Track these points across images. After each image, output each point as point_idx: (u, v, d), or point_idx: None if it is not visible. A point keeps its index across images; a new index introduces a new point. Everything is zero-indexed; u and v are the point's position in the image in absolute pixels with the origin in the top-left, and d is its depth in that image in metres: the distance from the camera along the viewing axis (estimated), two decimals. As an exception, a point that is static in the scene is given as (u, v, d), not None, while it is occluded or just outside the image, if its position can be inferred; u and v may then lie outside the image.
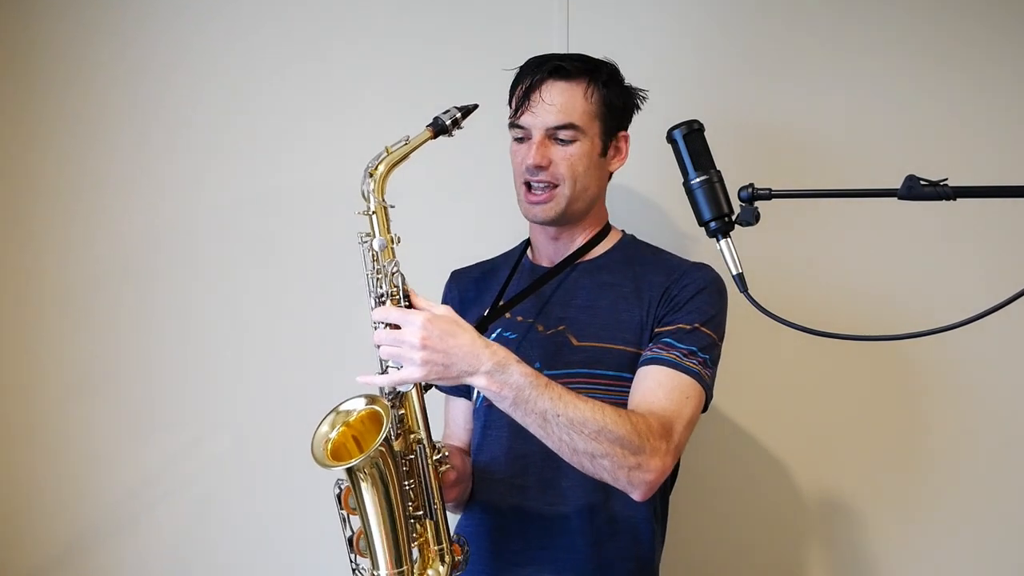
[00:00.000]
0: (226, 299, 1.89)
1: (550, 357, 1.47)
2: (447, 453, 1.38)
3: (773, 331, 1.21)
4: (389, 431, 1.28)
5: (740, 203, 1.16)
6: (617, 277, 1.52)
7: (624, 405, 1.39)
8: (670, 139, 1.24)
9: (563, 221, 1.52)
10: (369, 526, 1.30)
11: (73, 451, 1.86)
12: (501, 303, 1.55)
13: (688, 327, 1.42)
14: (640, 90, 1.57)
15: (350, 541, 1.35)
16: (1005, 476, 1.88)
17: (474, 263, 1.69)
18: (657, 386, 1.37)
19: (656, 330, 1.44)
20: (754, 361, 1.84)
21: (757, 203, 1.15)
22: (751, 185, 1.15)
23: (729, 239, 1.18)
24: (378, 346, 1.28)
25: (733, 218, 1.18)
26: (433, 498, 1.36)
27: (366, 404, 1.33)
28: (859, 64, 1.90)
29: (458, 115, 1.37)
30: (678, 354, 1.39)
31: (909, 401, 1.90)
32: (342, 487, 1.33)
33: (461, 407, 1.62)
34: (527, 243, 1.64)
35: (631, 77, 1.56)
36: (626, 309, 1.48)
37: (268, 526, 1.88)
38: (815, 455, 1.90)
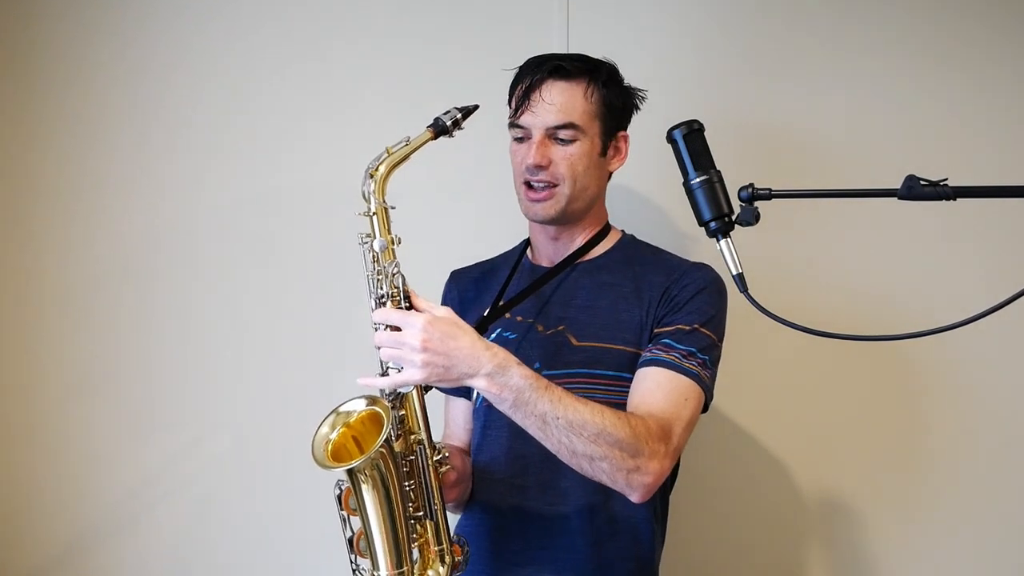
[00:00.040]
0: (226, 299, 1.89)
1: (550, 357, 1.47)
2: (447, 454, 1.38)
3: (773, 331, 1.21)
4: (390, 432, 1.28)
5: (740, 203, 1.16)
6: (617, 277, 1.52)
7: (624, 405, 1.39)
8: (670, 139, 1.24)
9: (563, 220, 1.52)
10: (369, 527, 1.30)
11: (73, 451, 1.86)
12: (501, 303, 1.55)
13: (687, 328, 1.42)
14: (639, 90, 1.57)
15: (350, 542, 1.35)
16: (1005, 476, 1.88)
17: (474, 263, 1.69)
18: (656, 388, 1.37)
19: (655, 330, 1.44)
20: (754, 361, 1.84)
21: (757, 203, 1.15)
22: (751, 185, 1.15)
23: (729, 239, 1.18)
24: (379, 348, 1.28)
25: (733, 218, 1.18)
26: (433, 499, 1.36)
27: (366, 405, 1.33)
28: (859, 64, 1.90)
29: (459, 116, 1.37)
30: (677, 355, 1.39)
31: (909, 401, 1.90)
32: (342, 488, 1.33)
33: (461, 407, 1.62)
34: (527, 243, 1.64)
35: (631, 77, 1.56)
36: (626, 309, 1.48)
37: (268, 526, 1.88)
38: (815, 455, 1.90)
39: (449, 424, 1.65)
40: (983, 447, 1.88)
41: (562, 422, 1.26)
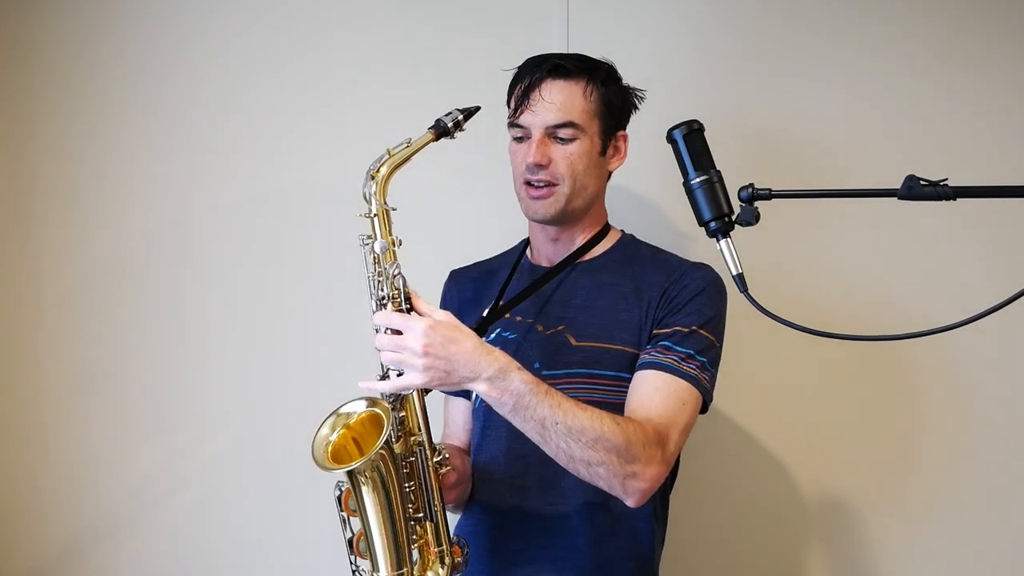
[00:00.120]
0: (226, 299, 1.89)
1: (549, 357, 1.47)
2: (447, 455, 1.38)
3: (773, 331, 1.21)
4: (390, 434, 1.28)
5: (740, 203, 1.16)
6: (617, 277, 1.52)
7: (623, 405, 1.40)
8: (670, 139, 1.24)
9: (563, 219, 1.51)
10: (369, 528, 1.30)
11: (72, 451, 1.86)
12: (500, 304, 1.54)
13: (686, 330, 1.42)
14: (638, 90, 1.57)
15: (350, 543, 1.35)
16: (1005, 476, 1.88)
17: (472, 263, 1.69)
18: (654, 391, 1.38)
19: (654, 331, 1.44)
20: (754, 361, 1.84)
21: (757, 203, 1.15)
22: (751, 185, 1.15)
23: (729, 239, 1.18)
24: (379, 351, 1.28)
25: (733, 218, 1.18)
26: (433, 500, 1.36)
27: (367, 406, 1.33)
28: (859, 64, 1.90)
29: (460, 117, 1.37)
30: (676, 358, 1.39)
31: (909, 401, 1.90)
32: (342, 489, 1.33)
33: (461, 407, 1.62)
34: (526, 243, 1.64)
35: (631, 77, 1.56)
36: (625, 309, 1.48)
37: (268, 527, 1.88)
38: (815, 455, 1.90)
39: (449, 424, 1.65)
40: (983, 447, 1.88)
41: (561, 427, 1.27)
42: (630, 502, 1.33)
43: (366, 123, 1.88)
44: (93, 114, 1.89)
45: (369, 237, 1.34)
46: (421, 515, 1.36)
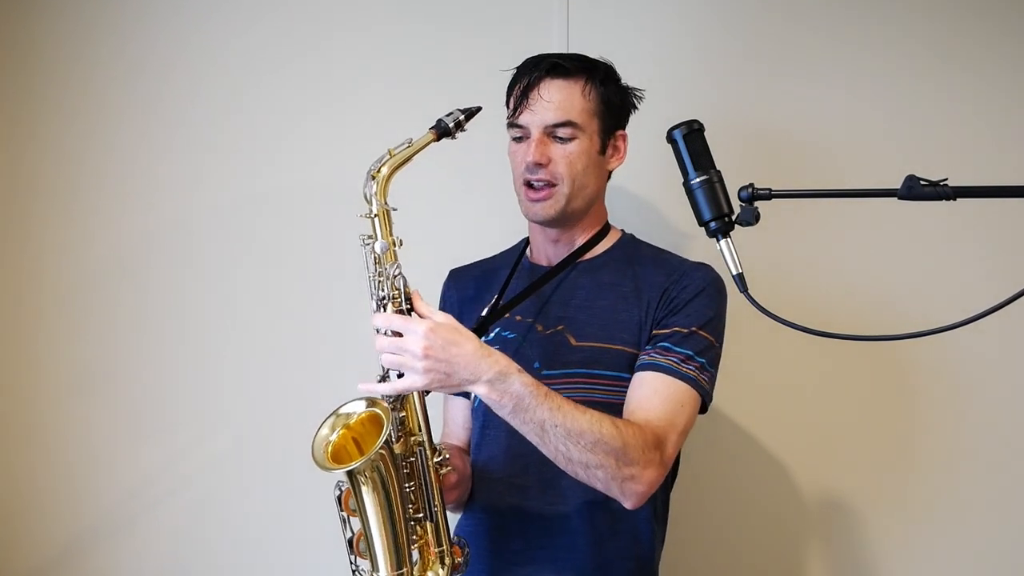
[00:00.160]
0: (226, 299, 1.89)
1: (549, 357, 1.47)
2: (448, 455, 1.38)
3: (773, 331, 1.21)
4: (390, 434, 1.28)
5: (740, 203, 1.16)
6: (617, 276, 1.52)
7: (622, 405, 1.40)
8: (670, 139, 1.24)
9: (563, 220, 1.51)
10: (369, 528, 1.30)
11: (71, 452, 1.86)
12: (500, 305, 1.54)
13: (685, 331, 1.42)
14: (636, 89, 1.57)
15: (350, 543, 1.35)
16: (1005, 476, 1.88)
17: (472, 262, 1.69)
18: (653, 394, 1.38)
19: (654, 332, 1.44)
20: (754, 361, 1.84)
21: (757, 203, 1.15)
22: (751, 185, 1.15)
23: (729, 239, 1.18)
24: (379, 353, 1.28)
25: (733, 218, 1.18)
26: (433, 500, 1.36)
27: (367, 407, 1.33)
28: (859, 64, 1.90)
29: (461, 117, 1.37)
30: (675, 359, 1.39)
31: (909, 401, 1.90)
32: (342, 489, 1.33)
33: (460, 406, 1.62)
34: (526, 242, 1.64)
35: (631, 77, 1.56)
36: (625, 309, 1.48)
37: (268, 527, 1.88)
38: (815, 455, 1.90)
39: (448, 423, 1.65)
40: (983, 447, 1.88)
41: (560, 430, 1.27)
42: (627, 504, 1.34)
43: (366, 123, 1.88)
44: (93, 114, 1.89)
45: (370, 237, 1.34)
46: (421, 515, 1.36)
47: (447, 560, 1.36)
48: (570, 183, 1.48)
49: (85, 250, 1.88)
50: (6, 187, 1.87)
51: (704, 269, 1.49)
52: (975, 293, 1.79)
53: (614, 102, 1.52)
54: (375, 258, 1.33)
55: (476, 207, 1.89)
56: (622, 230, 1.61)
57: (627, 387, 1.42)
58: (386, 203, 1.34)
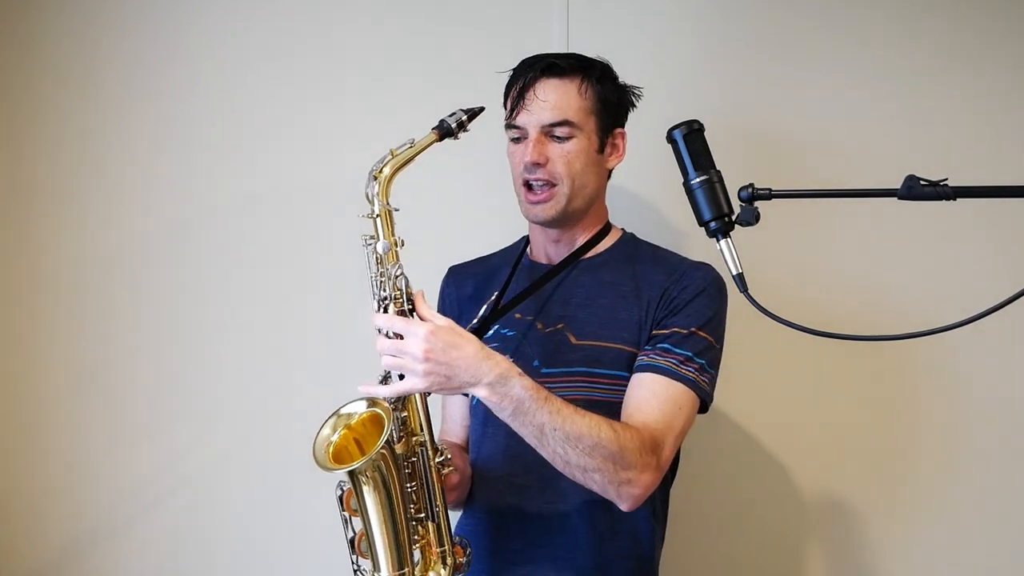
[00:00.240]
0: (226, 299, 1.89)
1: (549, 355, 1.48)
2: (450, 455, 1.39)
3: (773, 331, 1.21)
4: (391, 434, 1.28)
5: (740, 203, 1.16)
6: (617, 276, 1.52)
7: (621, 404, 1.40)
8: (670, 139, 1.25)
9: (563, 220, 1.51)
10: (371, 528, 1.30)
11: (72, 451, 1.86)
12: (501, 306, 1.54)
13: (685, 331, 1.42)
14: (634, 87, 1.57)
15: (352, 543, 1.35)
16: (1005, 476, 1.88)
17: (472, 259, 1.69)
18: (652, 396, 1.38)
19: (654, 332, 1.44)
20: (754, 361, 1.84)
21: (757, 203, 1.15)
22: (751, 185, 1.15)
23: (729, 239, 1.18)
24: (380, 354, 1.28)
25: (733, 218, 1.18)
26: (435, 500, 1.36)
27: (368, 407, 1.33)
28: (859, 64, 1.90)
29: (464, 118, 1.37)
30: (674, 361, 1.39)
31: (909, 401, 1.90)
32: (344, 489, 1.33)
33: (458, 403, 1.62)
34: (527, 240, 1.64)
35: (631, 77, 1.56)
36: (625, 308, 1.48)
37: (268, 528, 1.88)
38: (815, 454, 1.90)
39: (446, 420, 1.65)
40: (983, 447, 1.88)
41: (559, 434, 1.27)
42: (623, 507, 1.35)
43: (367, 123, 1.88)
44: (92, 113, 1.89)
45: (372, 237, 1.34)
46: (423, 515, 1.36)
47: (449, 560, 1.36)
48: (569, 182, 1.48)
49: (84, 250, 1.88)
50: (5, 187, 1.87)
51: (704, 269, 1.49)
52: (975, 293, 1.77)
53: (611, 100, 1.52)
54: (377, 258, 1.33)
55: (477, 207, 1.89)
56: (623, 229, 1.61)
57: (626, 386, 1.42)
58: (388, 203, 1.34)
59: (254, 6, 1.91)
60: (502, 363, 1.28)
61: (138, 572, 1.86)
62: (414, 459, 1.35)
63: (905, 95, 1.90)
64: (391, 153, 1.34)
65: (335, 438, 1.32)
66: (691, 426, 1.42)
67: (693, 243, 1.75)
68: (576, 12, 1.90)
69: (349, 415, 1.34)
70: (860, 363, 1.88)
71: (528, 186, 1.49)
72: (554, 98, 1.47)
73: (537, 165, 1.46)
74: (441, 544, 1.36)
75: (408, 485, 1.34)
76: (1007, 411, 1.88)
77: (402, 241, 1.34)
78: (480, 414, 1.53)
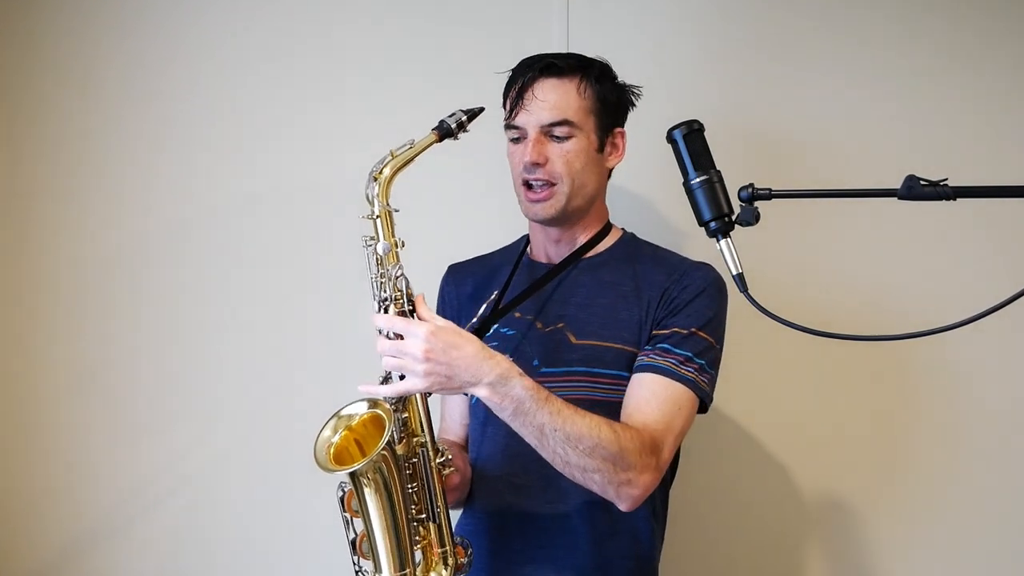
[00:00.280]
0: (226, 299, 1.89)
1: (549, 355, 1.48)
2: (450, 456, 1.39)
3: (773, 331, 1.21)
4: (392, 435, 1.28)
5: (740, 203, 1.16)
6: (617, 275, 1.52)
7: (621, 404, 1.40)
8: (670, 139, 1.24)
9: (564, 219, 1.51)
10: (372, 529, 1.31)
11: (72, 451, 1.86)
12: (501, 306, 1.54)
13: (685, 331, 1.42)
14: (633, 86, 1.57)
15: (353, 544, 1.35)
16: (1005, 476, 1.88)
17: (472, 257, 1.69)
18: (651, 396, 1.38)
19: (653, 332, 1.44)
20: (754, 361, 1.84)
21: (757, 203, 1.15)
22: (751, 185, 1.15)
23: (729, 239, 1.18)
24: (381, 355, 1.28)
25: (733, 218, 1.18)
26: (436, 501, 1.36)
27: (368, 408, 1.33)
28: (859, 64, 1.90)
29: (463, 118, 1.37)
30: (674, 361, 1.39)
31: (909, 401, 1.90)
32: (345, 490, 1.33)
33: (457, 402, 1.62)
34: (527, 239, 1.64)
35: (631, 77, 1.56)
36: (625, 308, 1.48)
37: (269, 528, 1.88)
38: (814, 454, 1.90)
39: (445, 418, 1.65)
40: (983, 447, 1.88)
41: (559, 434, 1.27)
42: (622, 507, 1.35)
43: (367, 123, 1.88)
44: (92, 113, 1.88)
45: (372, 238, 1.34)
46: (424, 516, 1.36)
47: (450, 561, 1.36)
48: (569, 182, 1.48)
49: (84, 250, 1.88)
50: (5, 187, 1.87)
51: (705, 269, 1.48)
52: (975, 293, 1.77)
53: (610, 99, 1.52)
54: (377, 259, 1.33)
55: (477, 207, 1.89)
56: (623, 229, 1.61)
57: (626, 386, 1.42)
58: (388, 204, 1.34)
59: (254, 6, 1.91)
60: (503, 363, 1.28)
61: (138, 572, 1.86)
62: (415, 460, 1.35)
63: (905, 95, 1.90)
64: (391, 154, 1.34)
65: (336, 439, 1.32)
66: (691, 426, 1.42)
67: (693, 243, 1.75)
68: (576, 12, 1.90)
69: (350, 416, 1.34)
70: (860, 363, 1.88)
71: (528, 185, 1.49)
72: (553, 98, 1.47)
73: (537, 165, 1.46)
74: (442, 545, 1.36)
75: (409, 486, 1.34)
76: (1007, 411, 1.88)
77: (402, 242, 1.34)
78: (480, 414, 1.53)
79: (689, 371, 1.39)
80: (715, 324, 1.45)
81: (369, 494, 1.29)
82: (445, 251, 1.71)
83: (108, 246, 1.88)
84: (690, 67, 1.91)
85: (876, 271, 1.89)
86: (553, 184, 1.48)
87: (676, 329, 1.42)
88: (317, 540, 1.84)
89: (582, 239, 1.55)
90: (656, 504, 1.48)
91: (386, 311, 1.31)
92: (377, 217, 1.33)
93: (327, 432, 1.32)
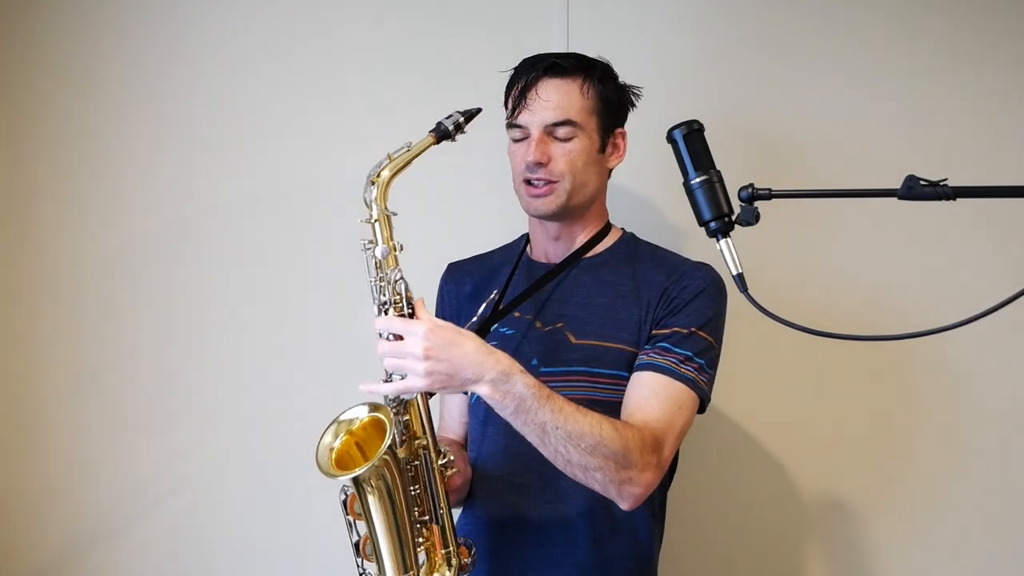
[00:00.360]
0: (226, 300, 1.89)
1: (548, 354, 1.48)
2: (452, 457, 1.39)
3: (773, 331, 1.21)
4: (394, 437, 1.28)
5: (740, 203, 1.16)
6: (617, 275, 1.52)
7: (621, 404, 1.40)
8: (670, 139, 1.24)
9: (564, 215, 1.51)
10: (375, 532, 1.31)
11: (71, 452, 1.86)
12: (501, 307, 1.54)
13: (685, 331, 1.42)
14: (634, 87, 1.57)
15: (356, 546, 1.35)
16: (1005, 476, 1.88)
17: (471, 256, 1.69)
18: (652, 395, 1.38)
19: (653, 332, 1.44)
20: (754, 361, 1.84)
21: (757, 203, 1.15)
22: (751, 185, 1.15)
23: (729, 239, 1.18)
24: (381, 357, 1.28)
25: (733, 218, 1.18)
26: (439, 503, 1.36)
27: (369, 412, 1.33)
28: (859, 64, 1.90)
29: (461, 120, 1.37)
30: (674, 360, 1.39)
31: (909, 401, 1.90)
32: (347, 493, 1.33)
33: (456, 400, 1.62)
34: (526, 238, 1.64)
35: (631, 77, 1.56)
36: (624, 308, 1.48)
37: (269, 529, 1.88)
38: (814, 455, 1.90)
39: (444, 417, 1.65)
40: (983, 447, 1.88)
41: (561, 432, 1.27)
42: (624, 506, 1.34)
43: (367, 123, 1.88)
44: (92, 113, 1.88)
45: (371, 242, 1.34)
46: (427, 518, 1.35)
47: (454, 561, 1.36)
48: (571, 180, 1.48)
49: (84, 250, 1.88)
50: (5, 187, 1.87)
51: (704, 269, 1.49)
52: (975, 293, 1.78)
53: (612, 100, 1.52)
54: (376, 263, 1.33)
55: (476, 207, 1.89)
56: (623, 229, 1.61)
57: (626, 386, 1.42)
58: (386, 208, 1.33)
59: (254, 6, 1.91)
60: (503, 360, 1.28)
61: (138, 572, 1.86)
62: (417, 462, 1.35)
63: (905, 95, 1.90)
64: (388, 157, 1.34)
65: (337, 444, 1.32)
66: (691, 425, 1.42)
67: (693, 243, 1.75)
68: (576, 12, 1.91)
69: (350, 421, 1.34)
70: (860, 363, 1.88)
71: (528, 183, 1.49)
72: (556, 98, 1.47)
73: (539, 165, 1.46)
74: (446, 545, 1.36)
75: (412, 488, 1.34)
76: (1007, 411, 1.88)
77: (401, 245, 1.34)
78: (480, 413, 1.53)
79: (689, 370, 1.39)
80: (715, 324, 1.45)
81: (372, 498, 1.29)
82: (445, 251, 1.71)
83: (108, 246, 1.88)
84: (690, 67, 1.91)
85: (876, 271, 1.89)
86: (554, 182, 1.48)
87: (676, 328, 1.42)
88: (317, 540, 1.84)
89: (582, 238, 1.55)
90: (655, 504, 1.48)
91: (385, 314, 1.31)
92: (375, 221, 1.33)
93: (328, 438, 1.32)
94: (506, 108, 1.52)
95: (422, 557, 1.35)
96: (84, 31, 1.89)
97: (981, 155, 1.87)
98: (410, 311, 1.30)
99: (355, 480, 1.27)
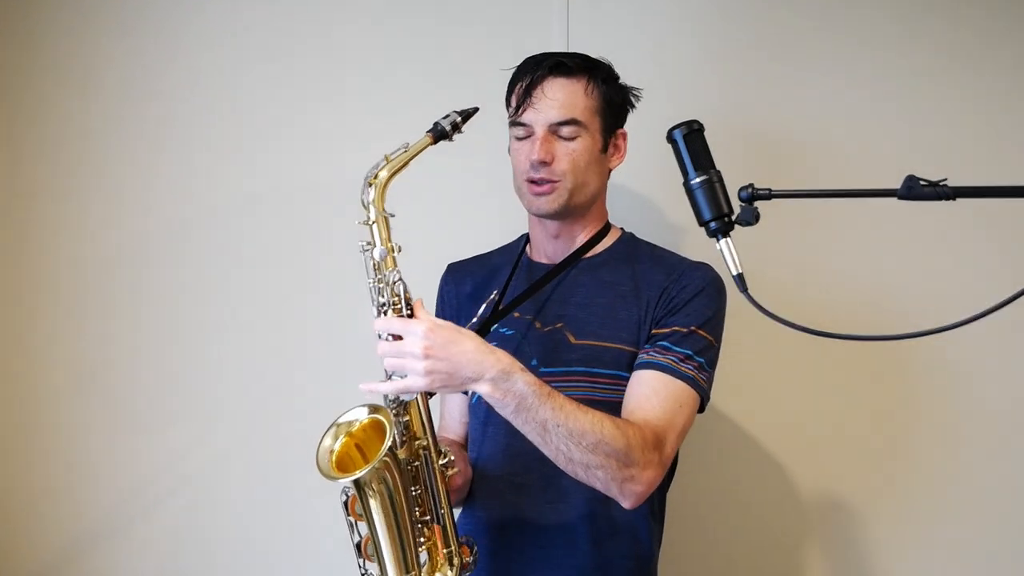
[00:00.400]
0: (226, 300, 1.89)
1: (548, 354, 1.48)
2: (452, 457, 1.38)
3: (773, 331, 1.21)
4: (394, 439, 1.28)
5: (740, 203, 1.16)
6: (616, 275, 1.52)
7: (621, 404, 1.40)
8: (670, 139, 1.24)
9: (565, 214, 1.51)
10: (376, 533, 1.31)
11: (71, 452, 1.86)
12: (501, 307, 1.54)
13: (685, 330, 1.42)
14: (635, 88, 1.57)
15: (358, 547, 1.35)
16: (1004, 476, 1.88)
17: (471, 257, 1.69)
18: (652, 393, 1.38)
19: (653, 331, 1.44)
20: (754, 361, 1.84)
21: (757, 203, 1.15)
22: (751, 185, 1.15)
23: (729, 239, 1.18)
24: (381, 357, 1.28)
25: (733, 218, 1.18)
26: (440, 503, 1.36)
27: (368, 414, 1.33)
28: (859, 64, 1.90)
29: (458, 119, 1.36)
30: (674, 359, 1.39)
31: (909, 401, 1.90)
32: (348, 494, 1.33)
33: (456, 400, 1.62)
34: (526, 238, 1.64)
35: (631, 77, 1.56)
36: (624, 308, 1.48)
37: (269, 527, 1.88)
38: (814, 455, 1.90)
39: (444, 416, 1.65)
40: (982, 447, 1.88)
41: (562, 430, 1.27)
42: (625, 504, 1.34)
43: (367, 123, 1.88)
44: (92, 114, 1.89)
45: (369, 243, 1.34)
46: (428, 518, 1.35)
47: (456, 560, 1.36)
48: (573, 179, 1.48)
49: (84, 250, 1.88)
50: (5, 187, 1.87)
51: (704, 269, 1.49)
52: (975, 293, 1.78)
53: (615, 101, 1.52)
54: (374, 264, 1.33)
55: (476, 207, 1.89)
56: (622, 228, 1.61)
57: (625, 386, 1.42)
58: (384, 210, 1.33)
59: (254, 6, 1.91)
60: (504, 358, 1.28)
61: (138, 572, 1.86)
62: (417, 463, 1.35)
63: (905, 95, 1.90)
64: (385, 159, 1.33)
65: (337, 446, 1.32)
66: (692, 424, 1.42)
67: (693, 243, 1.75)
68: (576, 12, 1.91)
69: (349, 423, 1.34)
70: (860, 363, 1.88)
71: (531, 181, 1.49)
72: (561, 97, 1.47)
73: (543, 163, 1.46)
74: (447, 545, 1.36)
75: (412, 489, 1.34)
76: (1007, 411, 1.88)
77: (399, 247, 1.34)
78: (480, 413, 1.53)
79: (689, 368, 1.39)
80: (714, 323, 1.45)
81: (373, 499, 1.29)
82: (445, 251, 1.71)
83: (108, 246, 1.88)
84: (690, 67, 1.91)
85: (876, 271, 1.89)
86: (556, 181, 1.48)
87: (676, 327, 1.43)
88: (317, 540, 1.84)
89: (581, 238, 1.55)
90: (655, 504, 1.48)
91: (385, 316, 1.31)
92: (373, 223, 1.33)
93: (327, 441, 1.32)
94: (508, 106, 1.52)
95: (424, 557, 1.35)
96: (84, 31, 1.89)
97: (981, 155, 1.87)
98: (409, 312, 1.30)
99: (356, 482, 1.27)
